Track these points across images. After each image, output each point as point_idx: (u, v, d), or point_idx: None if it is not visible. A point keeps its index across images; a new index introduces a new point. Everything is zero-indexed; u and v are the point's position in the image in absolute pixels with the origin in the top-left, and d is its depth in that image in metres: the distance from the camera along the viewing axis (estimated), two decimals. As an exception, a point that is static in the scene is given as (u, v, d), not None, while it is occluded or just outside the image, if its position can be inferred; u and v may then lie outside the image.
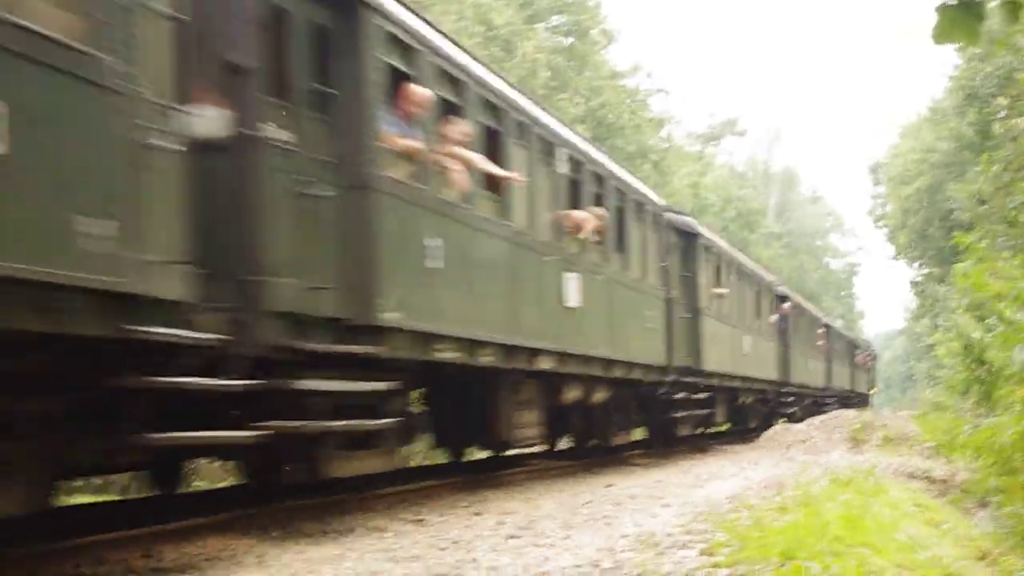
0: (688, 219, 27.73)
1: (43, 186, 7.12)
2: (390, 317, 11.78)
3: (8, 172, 6.74)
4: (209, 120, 9.60)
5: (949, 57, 62.38)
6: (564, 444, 22.10)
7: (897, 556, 10.21)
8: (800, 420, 34.22)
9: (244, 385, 9.31)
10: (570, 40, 55.48)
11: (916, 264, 71.74)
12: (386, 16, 12.19)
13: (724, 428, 34.03)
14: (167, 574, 8.37)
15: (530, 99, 17.44)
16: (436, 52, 13.43)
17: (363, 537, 10.28)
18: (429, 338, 12.86)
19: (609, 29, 58.38)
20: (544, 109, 18.07)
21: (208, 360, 8.96)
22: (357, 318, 11.40)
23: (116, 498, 16.54)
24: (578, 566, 8.11)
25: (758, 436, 29.75)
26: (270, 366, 10.02)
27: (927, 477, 20.93)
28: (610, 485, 16.45)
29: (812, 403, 46.74)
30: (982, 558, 12.98)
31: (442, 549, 9.37)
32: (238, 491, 13.07)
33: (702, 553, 8.78)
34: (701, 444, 28.99)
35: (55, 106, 7.26)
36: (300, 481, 11.53)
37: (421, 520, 11.60)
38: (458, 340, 13.63)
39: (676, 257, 25.74)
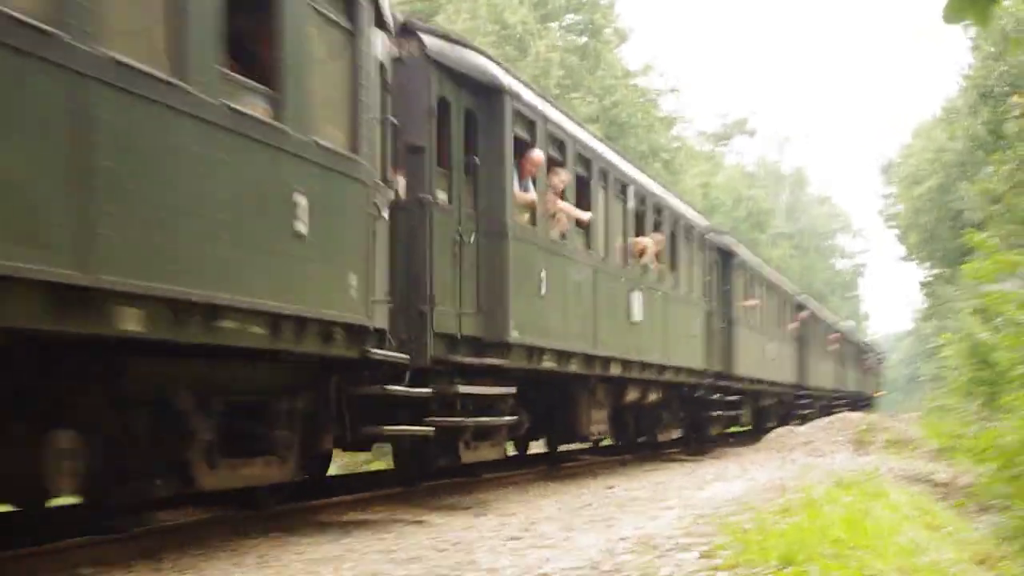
0: (727, 238, 30.79)
1: (329, 254, 10.37)
2: (515, 336, 14.92)
3: (308, 246, 9.90)
4: (398, 189, 12.66)
5: (963, 56, 62.36)
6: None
7: (897, 560, 10.20)
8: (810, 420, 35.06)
9: (429, 392, 12.65)
10: (584, 39, 55.48)
11: (926, 264, 71.74)
12: (517, 99, 15.43)
13: (738, 429, 34.35)
14: (167, 574, 8.39)
15: (611, 148, 21.21)
16: (547, 120, 16.65)
17: (363, 538, 10.29)
18: (535, 351, 15.94)
19: (622, 28, 58.43)
20: (618, 153, 21.65)
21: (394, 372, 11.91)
22: (492, 337, 14.61)
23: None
24: (578, 568, 8.12)
25: (762, 438, 29.75)
26: (430, 376, 13.09)
27: (930, 480, 20.92)
28: (611, 487, 16.48)
29: (825, 404, 48.01)
30: (982, 562, 12.98)
31: (442, 551, 9.39)
32: (235, 492, 13.07)
33: (702, 556, 8.79)
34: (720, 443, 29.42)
35: (335, 198, 10.48)
36: (445, 466, 14.87)
37: (422, 521, 11.63)
38: (555, 352, 16.69)
39: (715, 273, 28.61)
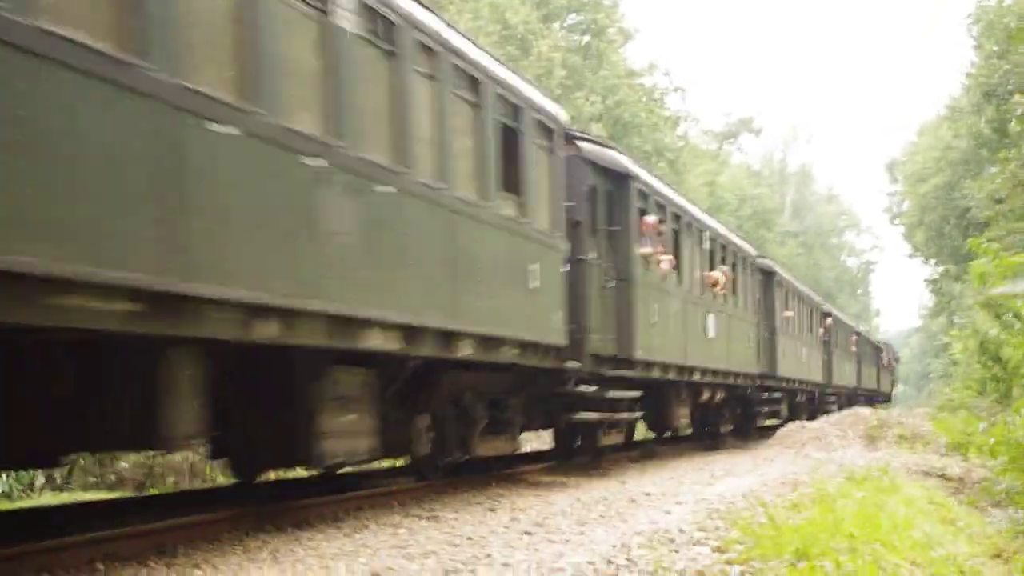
0: (769, 262, 36.09)
1: (549, 299, 15.96)
2: (639, 354, 19.93)
3: (538, 294, 15.47)
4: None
5: (967, 54, 62.30)
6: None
7: (911, 553, 10.20)
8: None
9: (601, 394, 18.20)
10: (586, 39, 55.47)
11: (932, 262, 71.63)
12: (639, 181, 20.77)
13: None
14: (180, 569, 8.38)
15: (693, 204, 27.15)
16: (656, 192, 22.11)
17: (377, 533, 10.27)
18: (650, 365, 20.94)
19: (626, 27, 58.37)
20: (697, 207, 27.85)
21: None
22: (625, 354, 19.52)
23: (130, 495, 16.58)
24: (591, 562, 8.11)
25: (773, 433, 29.76)
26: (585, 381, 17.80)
27: (942, 475, 20.88)
28: (624, 482, 16.47)
29: (846, 400, 50.97)
30: (997, 556, 12.96)
31: (456, 545, 9.38)
32: (251, 488, 13.09)
33: (715, 550, 8.80)
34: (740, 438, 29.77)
35: (548, 262, 15.99)
36: (586, 448, 19.86)
37: (435, 516, 11.61)
38: (661, 364, 21.66)
39: (760, 291, 33.75)
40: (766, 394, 33.39)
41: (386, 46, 11.69)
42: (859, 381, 57.12)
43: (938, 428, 27.85)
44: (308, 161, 9.94)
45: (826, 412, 41.28)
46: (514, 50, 46.34)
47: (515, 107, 15.26)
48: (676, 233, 23.83)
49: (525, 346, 15.11)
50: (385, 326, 11.38)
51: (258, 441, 10.98)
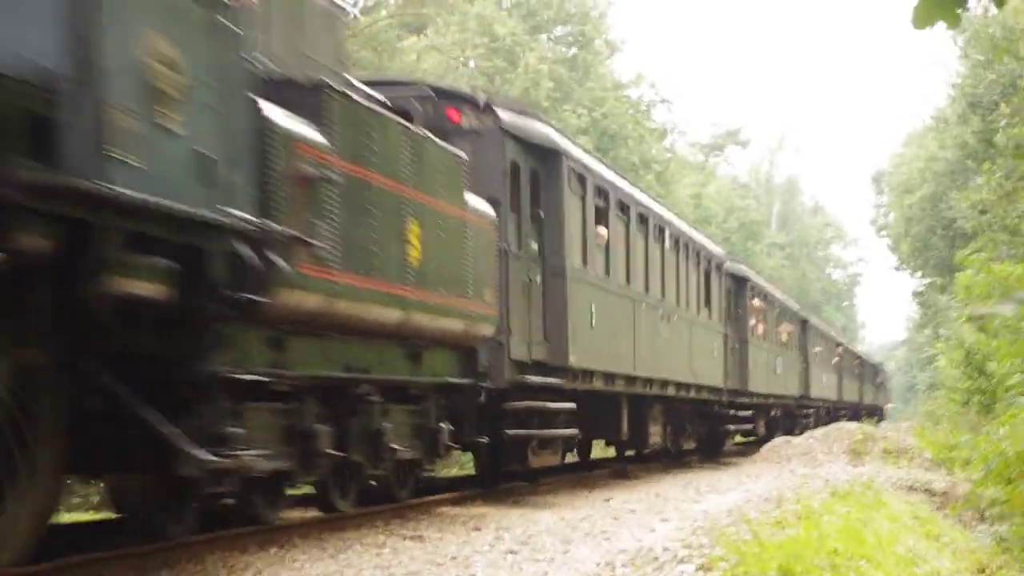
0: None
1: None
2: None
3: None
4: None
5: (953, 65, 62.45)
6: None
7: (896, 569, 10.20)
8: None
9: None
10: (573, 51, 55.52)
11: (918, 274, 71.64)
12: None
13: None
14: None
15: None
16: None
17: (360, 553, 10.25)
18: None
19: (613, 40, 58.49)
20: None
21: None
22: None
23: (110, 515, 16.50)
24: (576, 581, 8.10)
25: (759, 449, 29.77)
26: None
27: (927, 490, 20.89)
28: (609, 499, 16.46)
29: (825, 414, 49.49)
30: (981, 571, 12.97)
31: (439, 565, 9.36)
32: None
33: (699, 568, 8.78)
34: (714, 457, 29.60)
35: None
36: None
37: (419, 536, 11.59)
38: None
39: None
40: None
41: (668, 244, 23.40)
42: (841, 394, 56.01)
43: (922, 442, 27.89)
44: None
45: (802, 428, 40.17)
46: (501, 63, 46.41)
47: (708, 259, 25.87)
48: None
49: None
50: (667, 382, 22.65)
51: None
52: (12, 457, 7.80)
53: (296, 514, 13.02)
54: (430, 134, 13.13)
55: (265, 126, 9.56)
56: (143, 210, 7.77)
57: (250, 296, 9.03)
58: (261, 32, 10.37)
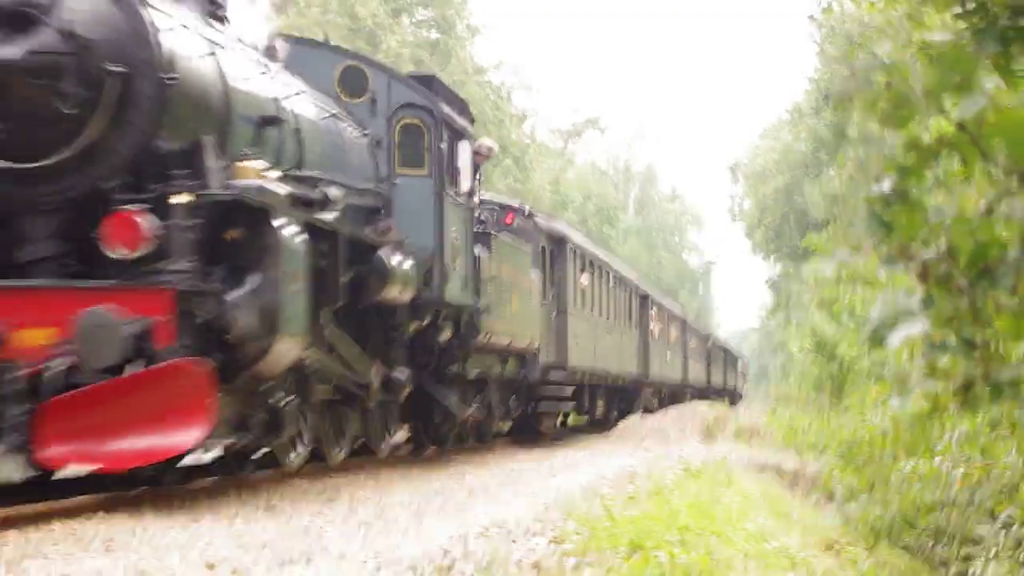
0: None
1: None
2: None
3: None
4: None
5: (810, 59, 63.21)
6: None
7: (745, 545, 10.33)
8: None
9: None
10: (435, 34, 55.51)
11: (771, 259, 72.66)
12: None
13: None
14: (7, 563, 8.20)
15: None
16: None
17: (212, 524, 10.13)
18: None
19: (474, 24, 58.55)
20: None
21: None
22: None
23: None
24: (428, 553, 8.10)
25: (614, 427, 30.01)
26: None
27: (777, 469, 21.21)
28: (465, 474, 16.48)
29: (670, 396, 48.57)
30: (828, 548, 13.18)
31: (293, 536, 9.30)
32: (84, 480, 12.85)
33: (552, 541, 8.83)
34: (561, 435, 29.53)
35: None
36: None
37: (272, 507, 11.51)
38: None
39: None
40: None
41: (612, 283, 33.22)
42: (707, 378, 56.77)
43: (772, 424, 28.33)
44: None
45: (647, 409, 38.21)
46: (363, 44, 46.22)
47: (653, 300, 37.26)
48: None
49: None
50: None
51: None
52: (386, 419, 16.84)
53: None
54: (524, 246, 23.70)
55: (477, 256, 19.41)
56: (454, 303, 17.95)
57: (475, 338, 19.27)
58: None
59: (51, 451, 10.09)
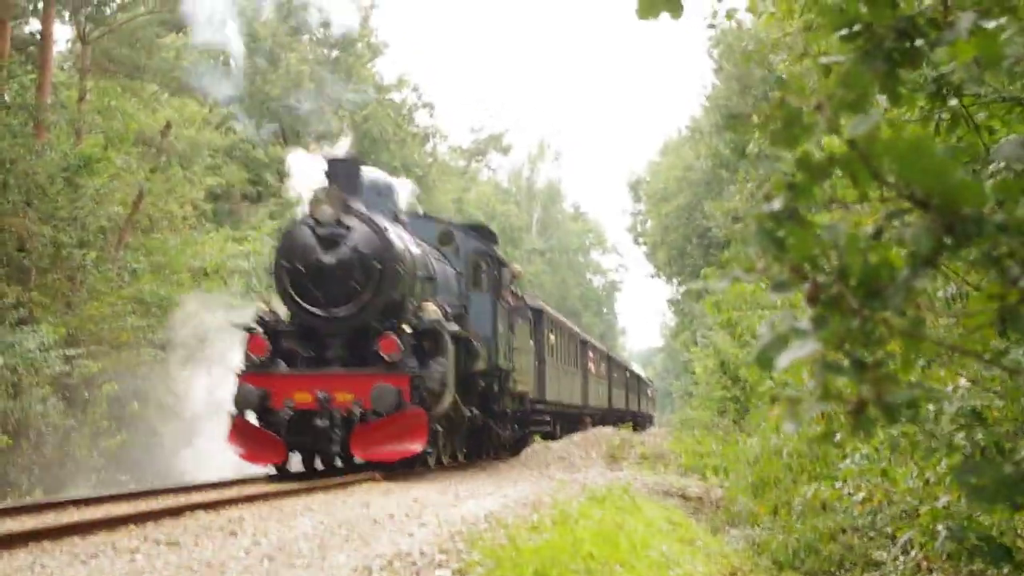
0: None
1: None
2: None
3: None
4: None
5: (708, 77, 63.71)
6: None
7: (649, 573, 10.32)
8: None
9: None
10: (335, 53, 55.36)
11: (675, 281, 72.98)
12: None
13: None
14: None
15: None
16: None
17: (112, 559, 9.98)
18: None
19: (376, 43, 58.44)
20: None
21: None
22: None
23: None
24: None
25: (519, 454, 30.01)
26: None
27: (682, 495, 21.25)
28: (368, 504, 16.35)
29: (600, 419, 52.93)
30: (733, 574, 13.20)
31: (194, 571, 9.17)
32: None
33: (456, 572, 8.77)
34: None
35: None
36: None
37: (175, 542, 11.33)
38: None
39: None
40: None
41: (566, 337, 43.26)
42: (607, 402, 57.95)
43: (676, 449, 28.40)
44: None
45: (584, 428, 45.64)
46: (262, 61, 46.07)
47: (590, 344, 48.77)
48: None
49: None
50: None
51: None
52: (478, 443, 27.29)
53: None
54: (524, 323, 32.03)
55: (508, 336, 28.10)
56: (502, 368, 27.29)
57: (509, 387, 27.98)
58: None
59: (357, 452, 19.96)
